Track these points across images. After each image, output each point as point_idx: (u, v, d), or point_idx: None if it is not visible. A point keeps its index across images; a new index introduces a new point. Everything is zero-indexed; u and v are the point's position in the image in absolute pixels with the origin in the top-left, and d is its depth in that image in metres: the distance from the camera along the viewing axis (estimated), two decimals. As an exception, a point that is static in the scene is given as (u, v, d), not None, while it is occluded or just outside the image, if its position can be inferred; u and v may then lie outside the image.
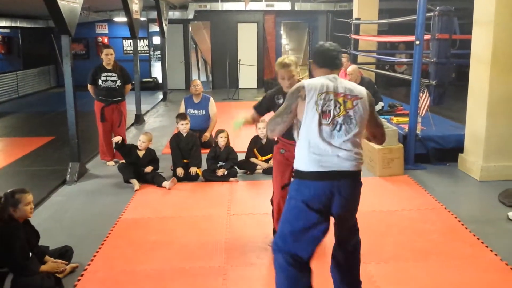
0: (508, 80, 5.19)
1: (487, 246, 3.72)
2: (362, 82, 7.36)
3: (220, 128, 5.89)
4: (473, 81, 5.55)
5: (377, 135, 2.90)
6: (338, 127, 2.61)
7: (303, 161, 2.63)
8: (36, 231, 3.35)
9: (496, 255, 3.58)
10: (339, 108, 2.61)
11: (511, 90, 5.22)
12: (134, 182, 5.35)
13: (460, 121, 6.36)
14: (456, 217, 4.31)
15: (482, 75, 5.30)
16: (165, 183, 5.31)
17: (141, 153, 5.59)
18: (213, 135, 6.96)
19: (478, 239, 3.86)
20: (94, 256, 3.72)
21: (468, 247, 3.75)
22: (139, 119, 9.25)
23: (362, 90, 2.73)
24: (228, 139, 5.79)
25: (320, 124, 2.59)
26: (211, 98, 7.23)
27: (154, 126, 9.02)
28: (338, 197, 2.62)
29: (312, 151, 2.60)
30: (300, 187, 2.64)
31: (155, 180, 5.40)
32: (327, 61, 2.75)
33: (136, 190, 5.24)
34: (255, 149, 5.92)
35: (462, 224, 4.16)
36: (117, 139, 5.53)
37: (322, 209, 2.62)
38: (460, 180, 5.46)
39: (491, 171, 5.29)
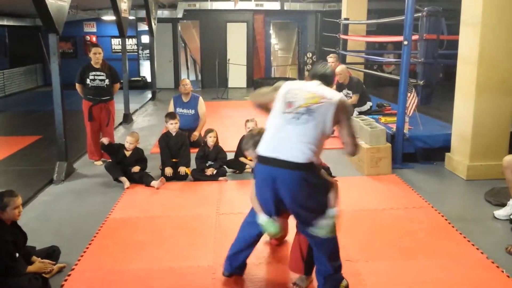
0: (494, 80, 5.25)
1: (473, 245, 3.77)
2: (351, 82, 7.42)
3: (209, 128, 5.88)
4: (460, 81, 5.61)
5: (349, 144, 2.91)
6: (297, 117, 2.79)
7: (261, 145, 2.89)
8: (23, 232, 3.32)
9: (482, 253, 3.62)
10: (303, 101, 2.81)
11: (497, 90, 5.28)
12: (124, 180, 5.32)
13: (447, 121, 6.42)
14: (443, 216, 4.36)
15: (469, 76, 5.36)
16: (153, 183, 5.29)
17: (128, 152, 5.56)
18: (202, 134, 6.95)
19: (465, 237, 3.90)
20: (82, 256, 3.69)
21: (454, 246, 3.79)
22: (127, 118, 9.20)
23: (335, 96, 2.84)
24: (217, 139, 5.78)
25: (283, 112, 2.83)
26: (200, 98, 7.21)
27: (143, 125, 8.98)
28: (282, 187, 2.78)
29: (271, 137, 2.85)
30: (255, 169, 2.95)
31: (143, 179, 5.38)
32: (319, 75, 3.00)
33: (126, 188, 5.22)
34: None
35: (449, 223, 4.21)
36: (105, 141, 5.50)
37: (268, 195, 2.86)
38: (447, 179, 5.51)
39: (477, 170, 5.35)
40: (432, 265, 3.48)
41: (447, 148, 5.88)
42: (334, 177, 3.52)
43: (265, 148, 2.85)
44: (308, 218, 2.84)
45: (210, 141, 5.71)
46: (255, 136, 3.31)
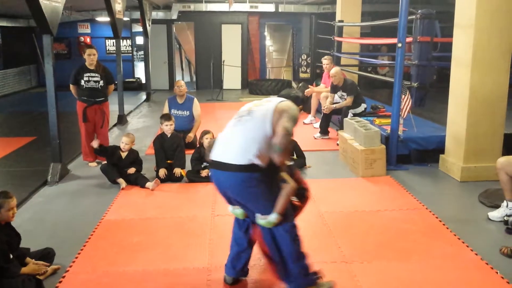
0: (488, 83, 5.28)
1: (467, 246, 3.78)
2: (345, 84, 7.44)
3: (206, 129, 5.87)
4: (454, 83, 5.64)
5: (274, 150, 2.80)
6: (239, 119, 2.95)
7: (212, 151, 3.02)
8: (17, 233, 3.30)
9: (476, 254, 3.64)
10: (248, 106, 3.00)
11: (491, 93, 5.31)
12: (121, 181, 5.31)
13: (441, 123, 6.45)
14: (437, 217, 4.38)
15: (462, 78, 5.39)
16: (148, 184, 5.28)
17: (123, 154, 5.54)
18: (197, 136, 6.95)
19: (459, 238, 3.92)
20: (76, 257, 3.68)
21: (449, 247, 3.81)
22: (122, 120, 9.18)
23: (279, 100, 2.95)
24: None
25: (232, 120, 3.03)
26: (195, 99, 7.21)
27: (138, 127, 8.96)
28: (225, 187, 2.95)
29: (218, 142, 2.99)
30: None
31: (138, 181, 5.37)
32: (283, 95, 3.14)
33: (122, 189, 5.20)
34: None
35: (443, 224, 4.23)
36: (95, 144, 5.47)
37: (222, 193, 3.06)
38: (441, 181, 5.54)
39: (471, 172, 5.38)
40: (426, 266, 3.49)
41: (441, 150, 5.90)
42: (299, 179, 3.23)
43: (212, 153, 2.97)
44: (252, 214, 2.97)
45: (206, 142, 5.70)
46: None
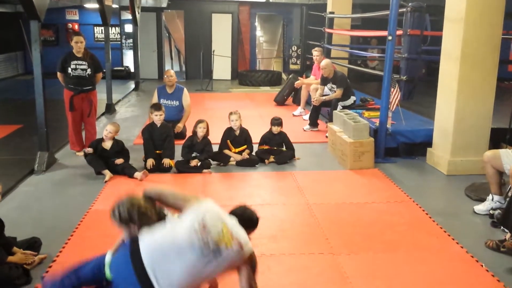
0: (476, 77, 5.32)
1: (453, 239, 3.83)
2: (335, 76, 7.44)
3: (200, 119, 5.85)
4: (442, 77, 5.67)
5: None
6: (204, 249, 2.45)
7: (144, 237, 2.55)
8: (0, 220, 3.26)
9: (462, 247, 3.69)
10: (218, 234, 2.49)
11: (479, 87, 5.35)
12: (106, 172, 5.26)
13: (429, 117, 6.50)
14: (423, 210, 4.42)
15: (451, 72, 5.42)
16: (136, 174, 5.25)
17: (107, 145, 5.48)
18: (187, 126, 6.92)
19: (445, 231, 3.97)
20: (63, 247, 3.66)
21: (435, 239, 3.85)
22: (110, 109, 9.09)
23: (248, 248, 2.58)
24: (207, 130, 5.75)
25: (194, 230, 2.49)
26: (185, 89, 7.17)
27: (126, 116, 8.88)
28: None
29: (161, 242, 2.52)
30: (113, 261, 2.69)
31: (126, 171, 5.33)
32: (239, 215, 2.75)
33: (105, 181, 5.15)
34: (228, 141, 5.91)
35: (430, 217, 4.27)
36: (88, 151, 5.43)
37: None
38: (428, 174, 5.59)
39: (458, 166, 5.43)
40: (412, 258, 3.53)
41: (428, 143, 5.95)
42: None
43: (146, 249, 2.40)
44: None
45: (200, 132, 5.67)
46: (132, 206, 2.66)
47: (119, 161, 5.39)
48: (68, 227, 4.01)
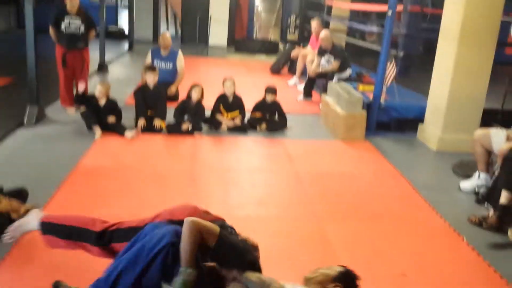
0: (473, 57, 5.29)
1: (437, 212, 3.88)
2: (334, 48, 7.39)
3: (196, 82, 5.80)
4: (439, 55, 5.64)
5: None
6: None
7: None
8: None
9: (445, 221, 3.75)
10: None
11: (475, 67, 5.34)
12: (97, 129, 5.22)
13: (423, 93, 6.49)
14: (411, 184, 4.46)
15: (449, 49, 5.39)
16: (127, 133, 5.23)
17: (101, 102, 5.43)
18: (179, 90, 6.87)
19: (430, 205, 4.02)
20: (50, 199, 3.66)
21: (419, 212, 3.91)
22: (102, 68, 8.96)
23: None
24: (202, 95, 5.71)
25: None
26: (180, 52, 7.09)
27: (118, 76, 8.78)
28: None
29: None
30: None
31: (117, 129, 5.30)
32: None
33: (95, 140, 5.12)
34: (221, 106, 5.88)
35: (416, 191, 4.32)
36: (81, 88, 5.36)
37: None
38: (417, 149, 5.63)
39: (447, 143, 5.47)
40: (395, 229, 3.59)
41: (420, 119, 5.97)
42: None
43: None
44: None
45: (195, 95, 5.64)
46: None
47: (111, 119, 5.35)
48: (55, 180, 3.99)
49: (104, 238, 2.44)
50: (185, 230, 2.14)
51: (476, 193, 4.25)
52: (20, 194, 3.39)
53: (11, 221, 3.11)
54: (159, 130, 5.51)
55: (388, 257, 3.18)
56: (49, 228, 2.40)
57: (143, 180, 4.19)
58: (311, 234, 3.41)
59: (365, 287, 2.78)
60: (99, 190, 3.92)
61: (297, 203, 3.96)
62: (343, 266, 2.22)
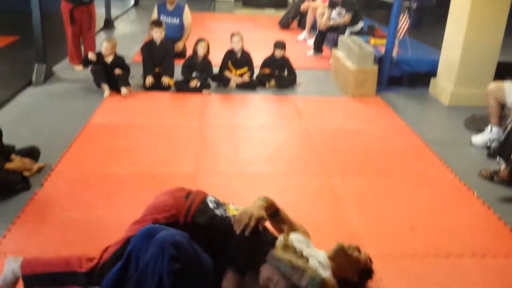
0: (488, 8, 5.11)
1: (448, 167, 3.86)
2: (346, 1, 7.17)
3: (201, 37, 5.70)
4: (454, 7, 5.45)
5: None
6: None
7: None
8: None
9: (456, 176, 3.73)
10: None
11: (490, 19, 5.16)
12: (105, 87, 5.19)
13: (436, 46, 6.33)
14: (422, 139, 4.42)
15: (463, 1, 5.20)
16: (122, 90, 5.15)
17: (109, 59, 5.37)
18: (187, 46, 6.77)
19: (440, 160, 3.99)
20: (62, 158, 3.69)
21: (429, 167, 3.89)
22: (108, 24, 8.82)
23: None
24: (208, 50, 5.62)
25: None
26: (186, 7, 6.94)
27: (125, 32, 8.66)
28: None
29: None
30: None
31: (121, 81, 5.22)
32: None
33: (104, 97, 5.11)
34: (229, 62, 5.80)
35: (427, 146, 4.28)
36: (92, 56, 5.30)
37: None
38: (429, 104, 5.54)
39: (460, 97, 5.38)
40: (404, 184, 3.58)
41: (433, 73, 5.85)
42: None
43: None
44: None
45: (201, 50, 5.55)
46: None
47: (118, 70, 5.29)
48: (66, 139, 4.02)
49: (93, 278, 2.12)
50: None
51: (488, 147, 4.20)
52: (32, 153, 3.44)
53: (24, 179, 3.17)
54: (167, 88, 5.48)
55: (397, 211, 3.19)
56: (31, 279, 2.11)
57: (152, 137, 4.20)
58: (321, 190, 3.43)
59: (373, 241, 2.82)
60: (110, 148, 3.95)
61: (306, 159, 3.96)
62: (369, 259, 2.23)
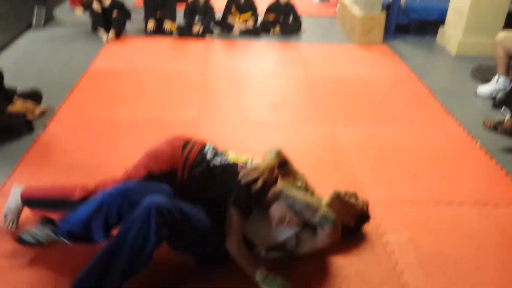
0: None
1: (452, 117, 3.83)
2: None
3: None
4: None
5: None
6: None
7: None
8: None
9: (459, 125, 3.71)
10: None
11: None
12: (102, 32, 5.08)
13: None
14: (427, 88, 4.37)
15: None
16: (110, 34, 5.05)
17: (106, 3, 5.23)
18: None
19: (445, 109, 3.96)
20: (64, 101, 3.67)
21: (434, 116, 3.86)
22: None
23: None
24: None
25: None
26: None
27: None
28: None
29: None
30: None
31: (115, 23, 5.12)
32: None
33: (106, 42, 5.02)
34: (233, 7, 5.66)
35: (432, 95, 4.24)
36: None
37: None
38: (437, 53, 5.44)
39: (468, 46, 5.27)
40: (408, 133, 3.56)
41: (441, 21, 5.71)
42: None
43: None
44: None
45: None
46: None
47: (115, 13, 5.16)
48: (68, 83, 3.99)
49: None
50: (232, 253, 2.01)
51: (494, 98, 4.15)
52: (34, 96, 3.42)
53: (27, 122, 3.16)
54: (169, 33, 5.37)
55: (400, 159, 3.19)
56: (30, 203, 2.25)
57: (154, 83, 4.16)
58: (324, 139, 3.42)
59: (375, 188, 2.84)
60: (112, 93, 3.92)
61: (310, 108, 3.93)
62: (366, 204, 2.30)
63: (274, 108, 3.87)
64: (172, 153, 2.20)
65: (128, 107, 3.69)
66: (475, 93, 4.32)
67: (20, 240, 2.12)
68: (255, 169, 2.08)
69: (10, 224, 2.24)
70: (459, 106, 4.04)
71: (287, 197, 2.07)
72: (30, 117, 3.24)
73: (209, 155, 2.21)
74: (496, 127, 3.62)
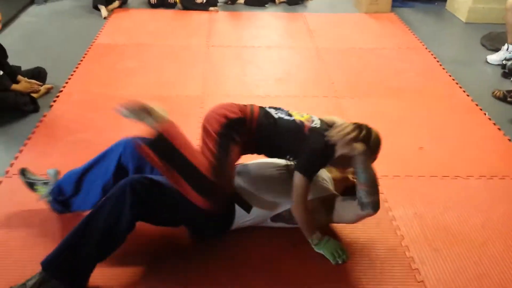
0: None
1: (460, 87, 3.78)
2: None
3: None
4: None
5: None
6: None
7: None
8: (1, 47, 3.20)
9: (468, 95, 3.66)
10: None
11: None
12: (102, 8, 5.00)
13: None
14: (435, 58, 4.30)
15: None
16: (102, 11, 4.98)
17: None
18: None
19: (454, 79, 3.90)
20: (69, 79, 3.66)
21: (442, 87, 3.80)
22: None
23: None
24: None
25: None
26: None
27: None
28: None
29: None
30: None
31: None
32: None
33: (104, 18, 4.96)
34: (237, -23, 5.55)
35: (440, 65, 4.16)
36: None
37: None
38: (446, 21, 5.32)
39: (478, 13, 5.14)
40: (415, 104, 3.52)
41: (451, -13, 5.57)
42: None
43: None
44: None
45: None
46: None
47: None
48: (72, 59, 3.97)
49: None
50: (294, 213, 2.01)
51: (503, 66, 4.07)
52: (39, 74, 3.41)
53: (33, 101, 3.17)
54: (173, 5, 5.30)
55: (407, 131, 3.17)
56: (159, 144, 1.86)
57: (158, 58, 4.13)
58: (331, 110, 3.39)
59: (380, 161, 2.82)
60: (116, 69, 3.90)
61: (316, 80, 3.88)
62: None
63: (280, 81, 3.84)
64: (237, 105, 2.15)
65: (132, 83, 3.68)
66: (484, 62, 4.24)
67: (23, 173, 2.26)
68: (348, 126, 1.99)
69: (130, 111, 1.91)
70: (468, 76, 3.97)
71: (361, 162, 1.98)
72: (35, 95, 3.24)
73: (272, 110, 2.17)
74: (506, 96, 3.57)
